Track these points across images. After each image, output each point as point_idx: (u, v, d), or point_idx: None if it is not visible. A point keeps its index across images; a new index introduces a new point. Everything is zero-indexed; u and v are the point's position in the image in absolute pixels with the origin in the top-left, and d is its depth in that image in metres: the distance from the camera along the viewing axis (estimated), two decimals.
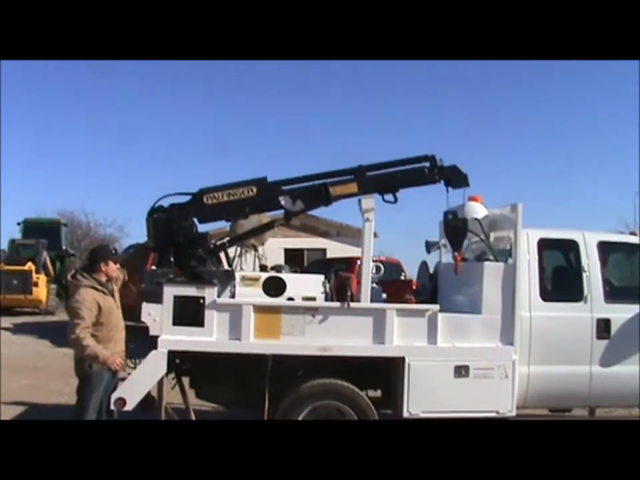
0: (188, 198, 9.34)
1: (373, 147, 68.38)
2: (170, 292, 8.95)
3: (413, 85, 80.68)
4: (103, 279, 8.73)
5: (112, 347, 8.60)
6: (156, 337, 8.87)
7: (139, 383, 8.75)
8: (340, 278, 9.50)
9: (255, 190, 9.35)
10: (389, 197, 9.65)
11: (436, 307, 9.42)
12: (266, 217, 10.23)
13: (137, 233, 58.81)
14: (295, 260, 26.80)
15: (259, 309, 9.05)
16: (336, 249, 31.52)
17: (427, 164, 9.70)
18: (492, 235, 10.34)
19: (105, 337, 8.56)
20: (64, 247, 33.87)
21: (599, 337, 9.87)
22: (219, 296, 9.10)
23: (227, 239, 10.08)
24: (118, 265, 9.02)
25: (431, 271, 11.31)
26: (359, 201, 9.39)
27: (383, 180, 9.63)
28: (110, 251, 9.13)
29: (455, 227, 9.86)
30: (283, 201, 9.47)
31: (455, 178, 9.83)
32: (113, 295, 8.88)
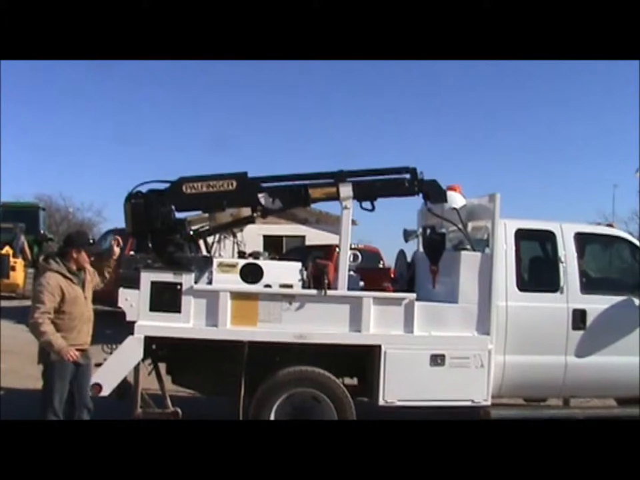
0: (167, 185, 9.33)
1: (371, 149, 68.84)
2: (147, 278, 8.94)
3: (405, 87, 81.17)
4: (73, 266, 8.60)
5: (73, 337, 8.43)
6: (132, 323, 8.87)
7: (115, 368, 8.75)
8: (317, 265, 9.51)
9: (234, 184, 9.37)
10: (367, 204, 9.70)
11: (413, 295, 9.45)
12: (246, 210, 10.22)
13: (115, 218, 58.84)
14: (274, 247, 26.69)
15: (236, 296, 9.06)
16: (315, 236, 31.43)
17: (408, 176, 9.74)
18: (470, 225, 10.36)
19: (65, 325, 8.38)
20: (42, 231, 33.64)
21: (575, 328, 9.93)
22: (196, 282, 9.11)
23: (207, 227, 10.08)
24: (89, 265, 8.91)
25: (409, 259, 11.34)
26: (337, 188, 9.41)
27: (363, 187, 9.65)
28: (86, 240, 8.99)
29: (433, 241, 9.93)
30: (262, 198, 9.49)
31: (434, 193, 9.92)
32: (83, 286, 8.72)
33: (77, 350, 8.32)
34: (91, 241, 9.08)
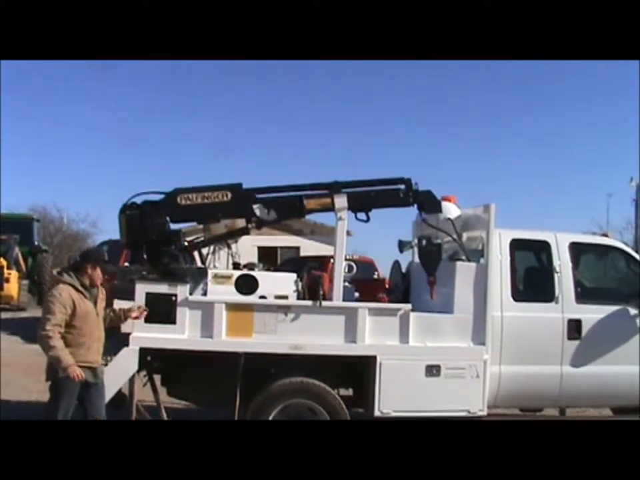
0: (161, 196, 9.33)
1: (371, 152, 68.91)
2: (142, 289, 8.92)
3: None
4: (87, 281, 8.33)
5: (82, 353, 8.13)
6: (127, 334, 8.85)
7: (111, 380, 8.66)
8: (312, 276, 9.50)
9: (229, 195, 9.37)
10: (362, 215, 9.72)
11: (408, 306, 9.45)
12: (240, 221, 10.22)
13: (110, 229, 58.55)
14: (269, 258, 26.72)
15: (231, 307, 9.06)
16: (310, 247, 31.36)
17: (402, 186, 9.77)
18: (464, 235, 10.37)
19: (74, 341, 8.09)
20: (36, 243, 33.50)
21: (570, 338, 9.93)
22: (191, 293, 9.10)
23: (202, 238, 10.07)
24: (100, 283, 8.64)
25: (404, 270, 11.34)
26: (332, 199, 9.41)
27: (358, 198, 9.67)
28: (102, 257, 8.82)
29: (430, 252, 9.92)
30: (256, 209, 9.49)
31: (429, 204, 9.95)
32: (95, 302, 8.41)
33: (87, 368, 8.11)
34: (107, 259, 8.91)
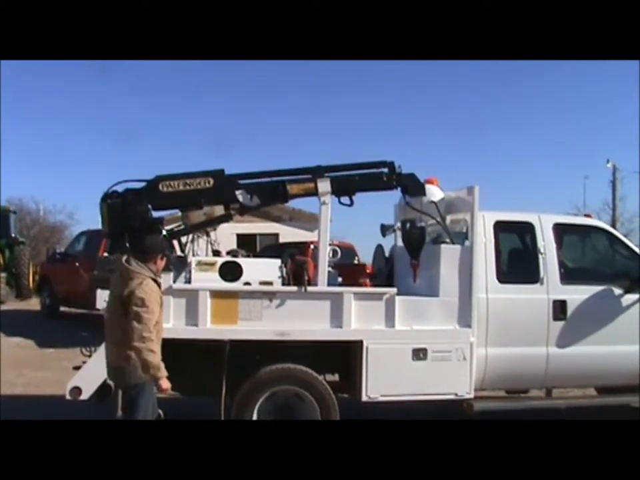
0: (143, 184, 9.24)
1: (370, 148, 69.06)
2: None
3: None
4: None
5: (159, 351, 7.59)
6: None
7: (95, 371, 8.59)
8: (297, 262, 9.47)
9: (211, 181, 9.29)
10: (345, 199, 9.68)
11: (393, 290, 9.43)
12: (219, 208, 10.14)
13: (87, 220, 58.40)
14: (248, 245, 26.62)
15: (216, 294, 9.00)
16: (288, 234, 31.39)
17: (386, 170, 9.74)
18: (448, 218, 10.35)
19: (157, 339, 7.53)
20: (13, 235, 33.29)
21: (555, 318, 9.96)
22: (174, 282, 9.02)
23: (183, 227, 9.99)
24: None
25: (387, 254, 11.32)
26: (315, 184, 9.36)
27: (341, 182, 9.63)
28: (167, 246, 8.60)
29: (413, 235, 9.89)
30: (239, 195, 9.43)
31: (412, 187, 9.95)
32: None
33: None
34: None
